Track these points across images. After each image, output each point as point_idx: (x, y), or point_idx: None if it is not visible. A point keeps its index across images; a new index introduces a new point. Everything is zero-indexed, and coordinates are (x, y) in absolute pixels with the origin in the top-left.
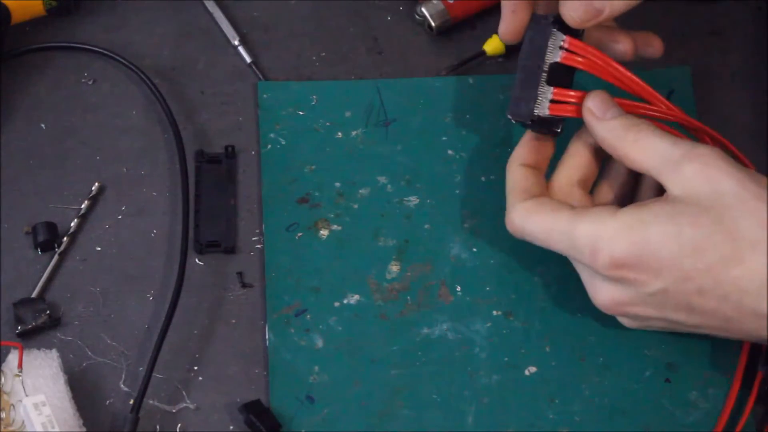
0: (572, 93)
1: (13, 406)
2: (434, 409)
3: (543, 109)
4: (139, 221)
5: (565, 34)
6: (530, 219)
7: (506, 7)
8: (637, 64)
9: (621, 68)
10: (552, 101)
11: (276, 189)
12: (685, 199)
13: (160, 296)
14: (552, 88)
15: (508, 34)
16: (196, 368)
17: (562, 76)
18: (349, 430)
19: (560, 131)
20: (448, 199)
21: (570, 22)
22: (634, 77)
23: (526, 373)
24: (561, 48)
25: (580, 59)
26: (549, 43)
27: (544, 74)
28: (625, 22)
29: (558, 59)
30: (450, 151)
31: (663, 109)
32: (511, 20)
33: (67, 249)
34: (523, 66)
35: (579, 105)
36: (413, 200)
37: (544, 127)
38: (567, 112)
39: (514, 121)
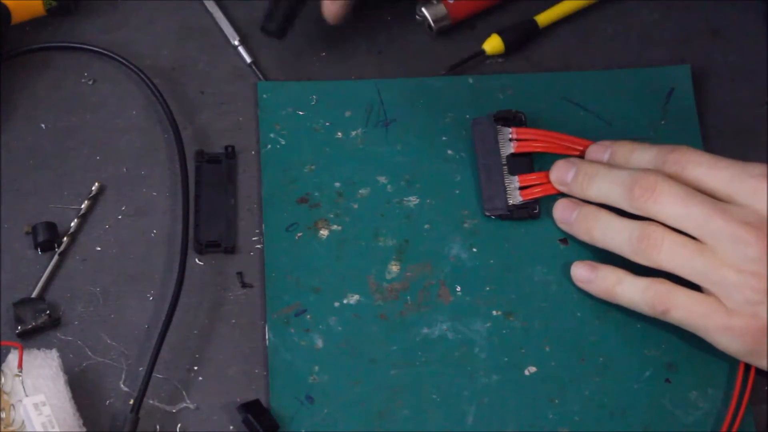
0: (534, 177)
1: (13, 406)
2: (434, 409)
3: (515, 198)
4: (139, 221)
5: (508, 126)
6: None
7: None
8: (637, 63)
9: (569, 137)
10: (521, 188)
11: (276, 189)
12: None
13: (160, 296)
14: (517, 177)
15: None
16: (196, 368)
17: (521, 161)
18: (349, 430)
19: (537, 212)
20: (448, 199)
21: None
22: (584, 141)
23: (526, 373)
24: (511, 139)
25: (531, 144)
26: (498, 138)
27: (505, 167)
28: (626, 22)
29: (512, 150)
30: (450, 151)
31: None
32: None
33: (67, 249)
34: (483, 165)
35: (546, 184)
36: (413, 200)
37: (522, 212)
38: (537, 193)
39: (493, 217)
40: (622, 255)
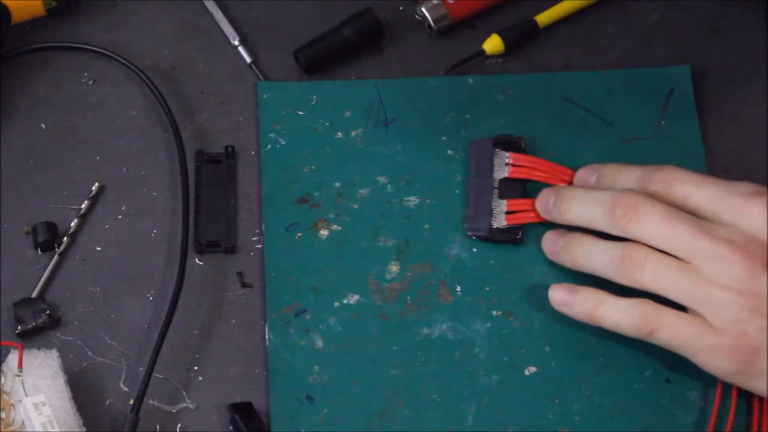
0: (522, 203)
1: (13, 406)
2: (434, 409)
3: (500, 221)
4: (139, 221)
5: (507, 150)
6: None
7: None
8: (636, 64)
9: (565, 169)
10: (507, 212)
11: (276, 189)
12: None
13: (160, 296)
14: (505, 201)
15: None
16: (196, 368)
17: (514, 186)
18: (349, 430)
19: (520, 238)
20: (448, 199)
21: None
22: None
23: (526, 373)
24: (507, 164)
25: (525, 171)
26: (494, 161)
27: (496, 190)
28: (626, 22)
29: (506, 174)
30: (450, 151)
31: None
32: None
33: (67, 249)
34: (474, 185)
35: (533, 211)
36: (413, 200)
37: (505, 236)
38: (523, 219)
39: (474, 237)
40: (606, 277)
